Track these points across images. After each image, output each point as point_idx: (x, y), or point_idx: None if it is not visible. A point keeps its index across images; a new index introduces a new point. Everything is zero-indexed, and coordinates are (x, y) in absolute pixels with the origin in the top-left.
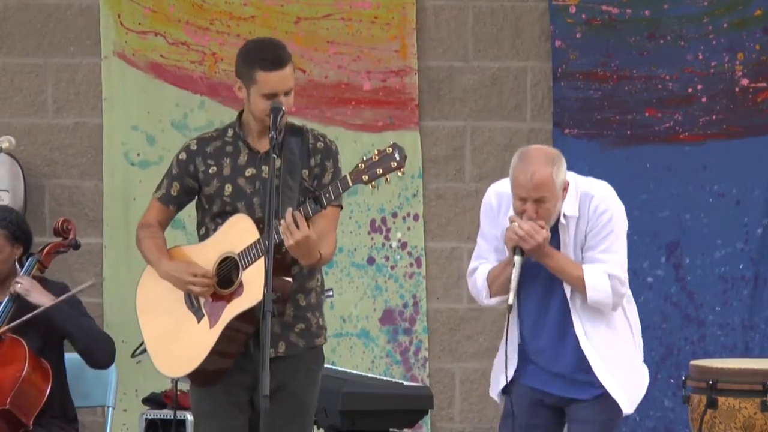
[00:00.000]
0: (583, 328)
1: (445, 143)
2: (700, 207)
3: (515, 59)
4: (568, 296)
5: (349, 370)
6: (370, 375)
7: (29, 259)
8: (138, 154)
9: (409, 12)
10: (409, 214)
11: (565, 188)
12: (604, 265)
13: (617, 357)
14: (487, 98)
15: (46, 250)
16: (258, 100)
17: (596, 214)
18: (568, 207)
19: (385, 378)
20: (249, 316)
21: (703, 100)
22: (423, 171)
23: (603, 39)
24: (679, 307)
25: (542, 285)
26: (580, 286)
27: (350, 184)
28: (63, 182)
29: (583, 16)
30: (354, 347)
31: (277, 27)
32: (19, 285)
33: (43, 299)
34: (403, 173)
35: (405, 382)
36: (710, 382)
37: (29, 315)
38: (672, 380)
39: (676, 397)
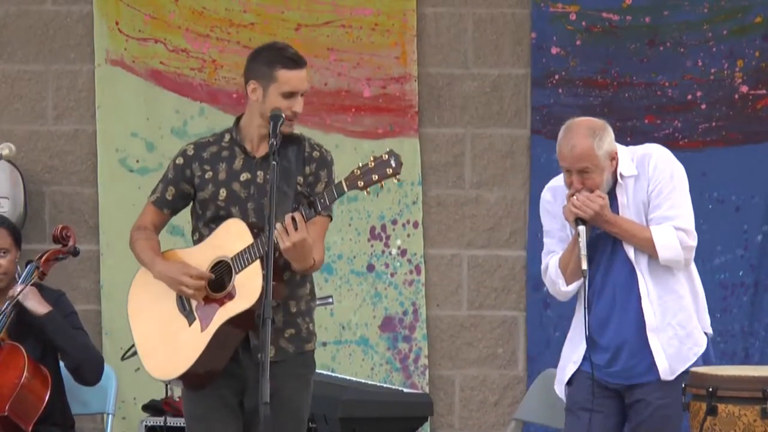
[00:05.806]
0: (647, 288)
1: (445, 150)
2: (699, 213)
3: (515, 66)
4: (633, 258)
5: (348, 378)
6: (369, 382)
7: (28, 266)
8: (137, 161)
9: (410, 19)
10: (408, 221)
11: (614, 158)
12: (671, 222)
13: (670, 323)
14: (487, 105)
15: (45, 257)
16: (276, 99)
17: (657, 172)
18: (625, 167)
19: (384, 385)
20: (240, 321)
21: (703, 107)
22: (423, 178)
23: (603, 46)
24: None
25: (605, 255)
26: (649, 248)
27: (345, 189)
28: (63, 189)
29: (584, 23)
30: (353, 354)
31: (278, 34)
32: (17, 290)
33: (39, 308)
34: (398, 180)
35: (405, 390)
36: (710, 389)
37: (4, 309)
38: None
39: None
